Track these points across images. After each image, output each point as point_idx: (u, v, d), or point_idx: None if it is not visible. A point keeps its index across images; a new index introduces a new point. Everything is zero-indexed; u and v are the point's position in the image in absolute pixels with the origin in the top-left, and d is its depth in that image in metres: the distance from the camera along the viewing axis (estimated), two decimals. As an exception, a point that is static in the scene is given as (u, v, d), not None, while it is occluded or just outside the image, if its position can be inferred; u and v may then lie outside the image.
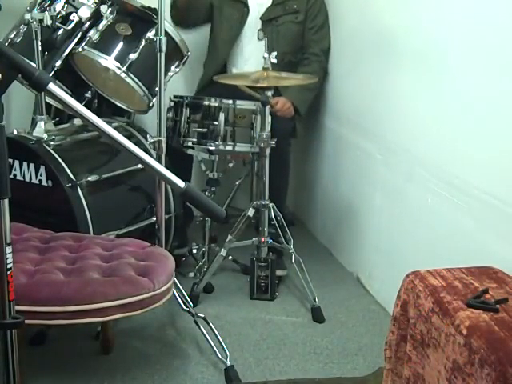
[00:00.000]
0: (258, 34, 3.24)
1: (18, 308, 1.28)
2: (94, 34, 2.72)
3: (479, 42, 2.17)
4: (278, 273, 2.99)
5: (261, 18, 3.27)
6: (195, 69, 3.49)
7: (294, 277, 3.00)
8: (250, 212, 2.85)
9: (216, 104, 2.86)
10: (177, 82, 3.21)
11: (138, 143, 2.85)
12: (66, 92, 2.79)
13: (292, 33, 3.30)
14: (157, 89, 2.54)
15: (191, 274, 3.03)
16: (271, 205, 2.87)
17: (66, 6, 2.69)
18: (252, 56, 3.29)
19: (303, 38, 3.35)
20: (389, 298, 2.25)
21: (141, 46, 2.74)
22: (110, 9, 2.74)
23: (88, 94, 2.97)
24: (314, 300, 2.81)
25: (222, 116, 2.84)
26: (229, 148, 2.88)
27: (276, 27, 3.26)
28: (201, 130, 2.87)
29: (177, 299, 2.49)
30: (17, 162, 2.60)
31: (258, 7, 3.31)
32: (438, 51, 2.41)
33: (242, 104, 2.86)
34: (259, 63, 3.09)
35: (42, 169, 2.54)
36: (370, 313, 2.83)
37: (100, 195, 2.66)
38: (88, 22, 2.76)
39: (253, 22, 3.30)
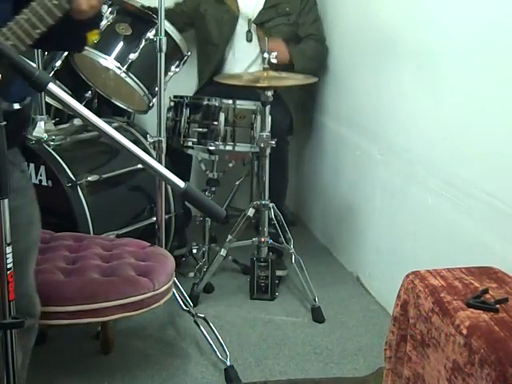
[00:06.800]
0: (247, 35, 3.24)
1: (18, 308, 1.28)
2: (94, 34, 2.73)
3: (479, 42, 2.17)
4: (278, 273, 2.99)
5: (254, 22, 3.25)
6: (196, 69, 3.49)
7: (294, 277, 3.00)
8: (250, 212, 2.85)
9: (216, 104, 2.85)
10: (177, 82, 3.21)
11: (138, 143, 2.85)
12: (66, 92, 2.79)
13: (284, 34, 3.28)
14: (157, 89, 2.55)
15: (191, 274, 3.03)
16: (271, 205, 2.87)
17: (66, 6, 2.69)
18: (243, 58, 3.29)
19: (297, 37, 3.33)
20: (389, 297, 2.26)
21: (141, 46, 2.74)
22: (110, 9, 2.74)
23: (88, 94, 2.97)
24: (314, 300, 2.81)
25: (222, 116, 2.84)
26: (229, 148, 2.88)
27: (268, 30, 3.25)
28: (201, 130, 2.87)
29: (177, 299, 2.49)
30: (17, 162, 2.59)
31: (249, 9, 3.28)
32: (438, 51, 2.41)
33: (242, 104, 2.86)
34: (250, 65, 3.10)
35: (42, 169, 2.54)
36: (369, 313, 2.83)
37: (100, 195, 2.66)
38: (88, 22, 2.75)
39: (243, 24, 3.27)
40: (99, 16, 1.63)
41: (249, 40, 3.27)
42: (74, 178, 2.51)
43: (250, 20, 3.25)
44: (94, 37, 1.67)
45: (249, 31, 3.26)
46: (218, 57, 3.33)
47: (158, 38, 2.42)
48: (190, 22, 3.40)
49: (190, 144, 2.91)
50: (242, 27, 3.28)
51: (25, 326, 1.68)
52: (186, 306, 2.51)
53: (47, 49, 1.99)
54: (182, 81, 3.33)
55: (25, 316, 1.70)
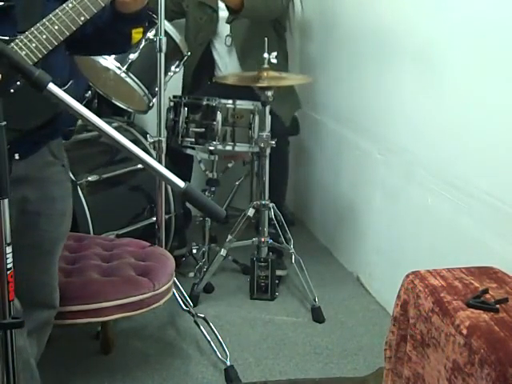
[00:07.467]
0: (226, 39, 3.20)
1: (18, 308, 1.28)
2: (93, 34, 2.72)
3: (479, 42, 2.17)
4: (278, 273, 2.99)
5: (227, 22, 3.14)
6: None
7: (294, 277, 3.00)
8: (250, 212, 2.85)
9: (214, 104, 2.84)
10: (177, 82, 3.21)
11: (138, 143, 2.85)
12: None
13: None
14: (157, 89, 2.54)
15: (191, 274, 3.03)
16: (271, 205, 2.87)
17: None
18: (227, 62, 3.25)
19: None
20: (389, 297, 2.26)
21: (141, 46, 2.74)
22: (109, 9, 2.74)
23: (88, 94, 2.97)
24: (314, 300, 2.81)
25: (219, 116, 2.83)
26: (228, 148, 2.87)
27: (241, 23, 3.11)
28: (199, 130, 2.86)
29: (177, 299, 2.49)
30: (17, 162, 2.59)
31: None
32: (438, 51, 2.41)
33: (239, 104, 2.85)
34: (235, 68, 3.07)
35: (42, 169, 2.54)
36: (369, 313, 2.83)
37: (100, 195, 2.66)
38: (88, 22, 2.75)
39: (224, 27, 3.20)
40: (144, 13, 1.64)
41: (228, 44, 3.20)
42: (73, 178, 2.51)
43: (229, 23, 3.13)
44: (138, 35, 1.69)
45: (229, 35, 3.18)
46: (196, 54, 3.23)
47: (157, 38, 2.42)
48: (179, 11, 3.31)
49: (188, 144, 2.91)
50: (222, 30, 3.21)
51: (42, 320, 1.70)
52: (186, 306, 2.51)
53: (93, 50, 1.99)
54: (181, 81, 3.34)
55: (45, 306, 1.71)
